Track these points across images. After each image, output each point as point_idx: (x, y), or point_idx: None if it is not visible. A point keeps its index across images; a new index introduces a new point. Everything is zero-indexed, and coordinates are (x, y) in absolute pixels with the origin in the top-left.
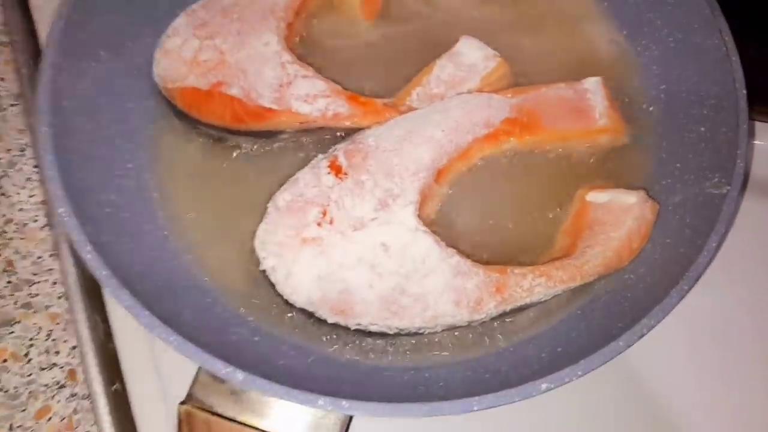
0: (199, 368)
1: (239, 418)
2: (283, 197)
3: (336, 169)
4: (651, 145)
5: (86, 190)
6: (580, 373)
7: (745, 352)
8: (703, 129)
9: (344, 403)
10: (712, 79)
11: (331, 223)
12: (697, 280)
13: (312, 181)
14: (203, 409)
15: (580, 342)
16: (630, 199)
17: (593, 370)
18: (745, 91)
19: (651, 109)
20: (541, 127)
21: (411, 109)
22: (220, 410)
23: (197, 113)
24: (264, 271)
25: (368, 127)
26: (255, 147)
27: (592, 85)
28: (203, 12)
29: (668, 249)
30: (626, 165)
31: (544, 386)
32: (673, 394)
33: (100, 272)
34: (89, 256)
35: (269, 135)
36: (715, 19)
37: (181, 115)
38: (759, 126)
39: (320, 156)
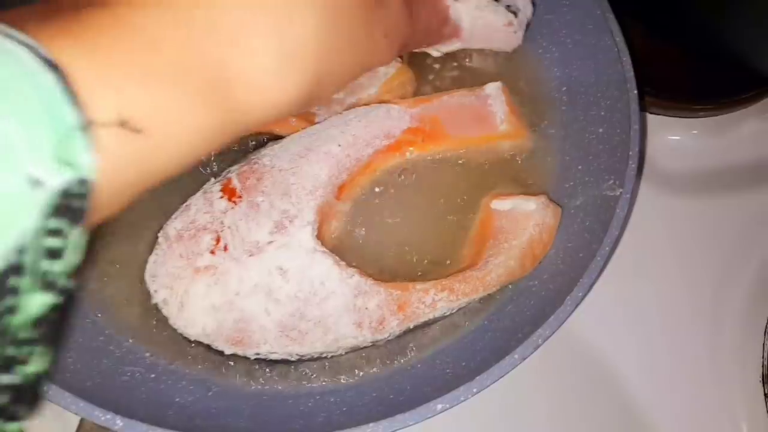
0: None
1: None
2: (173, 226)
3: (229, 193)
4: (554, 148)
5: None
6: (475, 390)
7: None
8: (600, 130)
9: None
10: (607, 79)
11: (225, 249)
12: (591, 287)
13: (204, 206)
14: None
15: (483, 355)
16: (530, 205)
17: (489, 386)
18: (636, 92)
19: (553, 112)
20: (444, 136)
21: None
22: None
23: None
24: (156, 305)
25: (264, 144)
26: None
27: (493, 90)
28: None
29: (569, 253)
30: (531, 170)
31: (439, 407)
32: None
33: None
34: None
35: None
36: (606, 20)
37: None
38: (663, 120)
39: (213, 180)
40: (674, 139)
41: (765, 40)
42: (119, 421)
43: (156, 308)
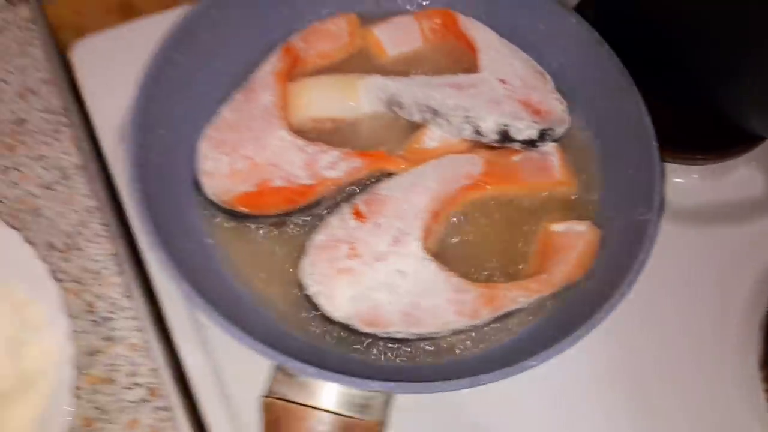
0: (276, 367)
1: (309, 403)
2: (318, 238)
3: (358, 215)
4: (595, 186)
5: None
6: (551, 355)
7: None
8: (630, 172)
9: (391, 384)
10: (633, 136)
11: (358, 256)
12: (631, 287)
13: (340, 224)
14: (281, 399)
15: (548, 338)
16: (581, 227)
17: (558, 354)
18: (656, 144)
19: (592, 161)
20: (514, 179)
21: (418, 152)
22: (294, 399)
23: (259, 210)
24: (307, 296)
25: (380, 179)
26: (303, 219)
27: (551, 148)
28: (216, 133)
29: (610, 263)
30: (578, 202)
31: (532, 363)
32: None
33: (200, 302)
34: (196, 298)
35: (313, 205)
36: (631, 89)
37: (240, 217)
38: (671, 166)
39: (344, 205)
40: (678, 181)
41: (751, 106)
42: (311, 370)
43: (305, 299)
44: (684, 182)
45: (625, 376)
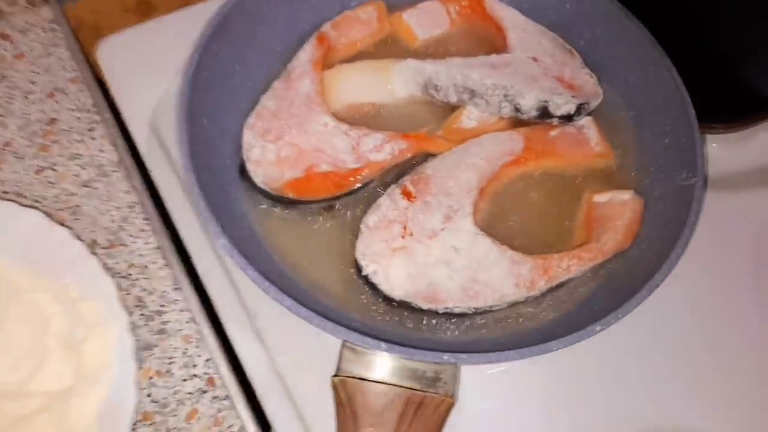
0: (343, 346)
1: (382, 379)
2: (371, 219)
3: (407, 195)
4: (631, 155)
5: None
6: (620, 316)
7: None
8: (666, 140)
9: (462, 355)
10: (668, 104)
11: (411, 235)
12: (686, 244)
13: (391, 205)
14: (352, 377)
15: (606, 304)
16: (625, 196)
17: (625, 315)
18: (693, 111)
19: (627, 131)
20: (553, 154)
21: (457, 132)
22: (366, 376)
23: (308, 196)
24: (366, 277)
25: (425, 160)
26: (352, 202)
27: (586, 122)
28: (260, 122)
29: (660, 228)
30: (616, 172)
31: (598, 328)
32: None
33: (273, 290)
34: (263, 282)
35: (361, 188)
36: (664, 60)
37: (289, 203)
38: None
39: (393, 186)
40: None
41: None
42: (383, 345)
43: (363, 280)
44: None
45: (669, 349)
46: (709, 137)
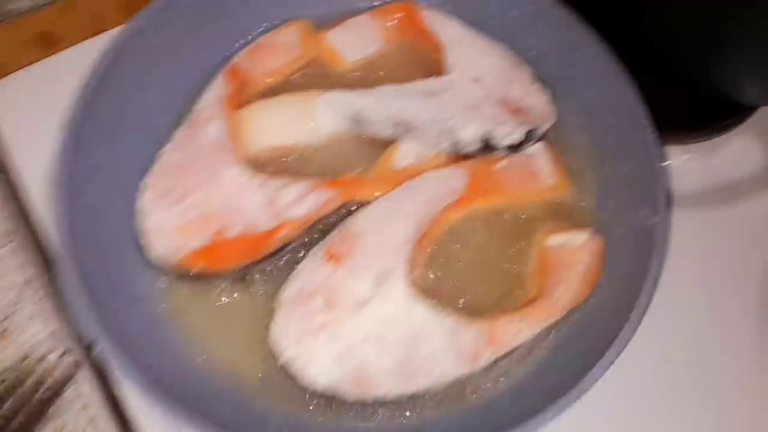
0: None
1: None
2: (288, 292)
3: (333, 257)
4: (590, 188)
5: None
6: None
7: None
8: (627, 168)
9: None
10: (627, 125)
11: (336, 306)
12: (647, 306)
13: (312, 272)
14: None
15: (556, 379)
16: (581, 238)
17: (581, 395)
18: (653, 135)
19: (583, 155)
20: (501, 191)
21: (391, 173)
22: None
23: (216, 267)
24: (282, 366)
25: (357, 208)
26: (269, 268)
27: (538, 148)
28: (158, 182)
29: (617, 278)
30: (572, 209)
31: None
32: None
33: (155, 395)
34: (145, 384)
35: (279, 252)
36: (620, 73)
37: (194, 277)
38: (669, 149)
39: (316, 247)
40: (667, 164)
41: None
42: None
43: (281, 369)
44: (675, 164)
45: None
46: (679, 149)
